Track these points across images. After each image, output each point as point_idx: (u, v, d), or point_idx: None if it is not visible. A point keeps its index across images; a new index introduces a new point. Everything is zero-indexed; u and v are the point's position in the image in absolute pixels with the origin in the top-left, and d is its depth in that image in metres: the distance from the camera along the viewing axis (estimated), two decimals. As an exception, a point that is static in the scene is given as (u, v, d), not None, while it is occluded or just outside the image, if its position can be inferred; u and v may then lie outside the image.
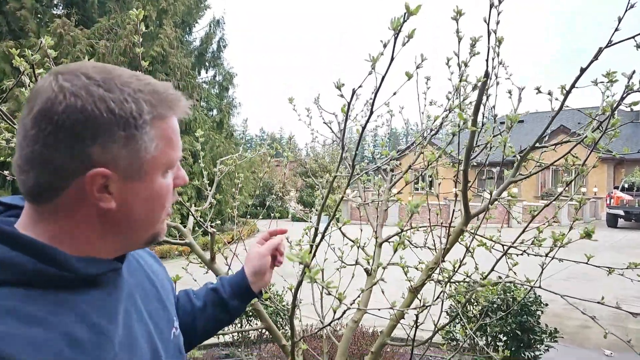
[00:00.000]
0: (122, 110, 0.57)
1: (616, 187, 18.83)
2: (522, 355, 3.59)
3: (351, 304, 1.07)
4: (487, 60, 1.35)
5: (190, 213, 1.68)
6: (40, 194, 0.57)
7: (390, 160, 1.52)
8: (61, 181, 0.56)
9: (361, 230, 2.10)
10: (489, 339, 3.68)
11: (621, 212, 17.08)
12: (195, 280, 1.79)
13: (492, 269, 1.29)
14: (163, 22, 12.27)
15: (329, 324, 1.23)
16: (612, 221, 17.44)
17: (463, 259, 1.42)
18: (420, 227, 1.97)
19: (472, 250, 1.63)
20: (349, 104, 1.16)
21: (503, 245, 1.67)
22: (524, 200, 19.73)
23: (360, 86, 1.14)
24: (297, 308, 3.96)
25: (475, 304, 3.46)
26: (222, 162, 2.09)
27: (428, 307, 1.26)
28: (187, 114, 0.66)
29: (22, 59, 1.24)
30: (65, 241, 0.59)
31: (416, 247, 2.33)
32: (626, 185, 18.20)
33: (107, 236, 0.62)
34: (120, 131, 0.57)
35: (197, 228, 1.97)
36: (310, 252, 1.27)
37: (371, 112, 1.14)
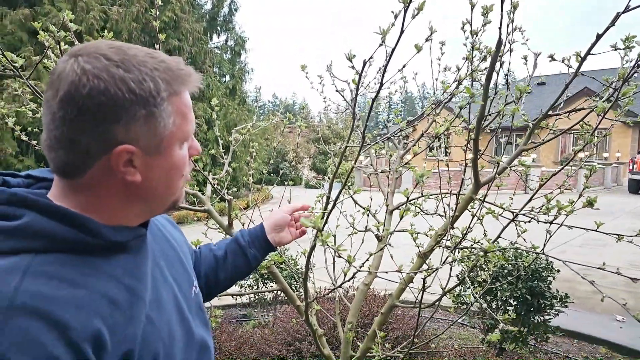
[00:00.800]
0: (142, 89, 0.60)
1: None
2: (532, 319, 3.67)
3: (360, 267, 1.13)
4: (499, 28, 1.33)
5: (207, 181, 1.74)
6: (69, 171, 0.62)
7: (400, 131, 1.54)
8: (88, 159, 0.61)
9: (371, 198, 2.14)
10: (499, 303, 3.77)
11: None
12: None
13: (499, 236, 1.33)
14: (174, -14, 12.06)
15: (340, 286, 1.30)
16: (633, 187, 17.04)
17: (469, 226, 1.46)
18: (431, 195, 2.00)
19: (481, 218, 1.66)
20: (360, 75, 1.17)
21: (513, 213, 1.69)
22: (542, 166, 19.41)
23: (371, 57, 1.15)
24: (311, 271, 4.10)
25: (486, 269, 3.53)
26: (236, 132, 2.13)
27: (435, 272, 1.31)
28: (198, 88, 0.69)
29: (45, 33, 1.27)
30: (95, 211, 0.64)
31: (427, 214, 2.38)
32: None
33: (132, 205, 0.67)
34: (141, 109, 0.60)
35: (214, 195, 2.04)
36: (323, 218, 1.33)
37: (381, 85, 1.15)
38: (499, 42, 1.36)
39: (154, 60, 0.63)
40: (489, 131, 1.95)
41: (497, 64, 1.54)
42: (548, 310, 3.67)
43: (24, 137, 1.93)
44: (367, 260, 1.20)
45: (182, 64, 0.67)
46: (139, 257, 0.69)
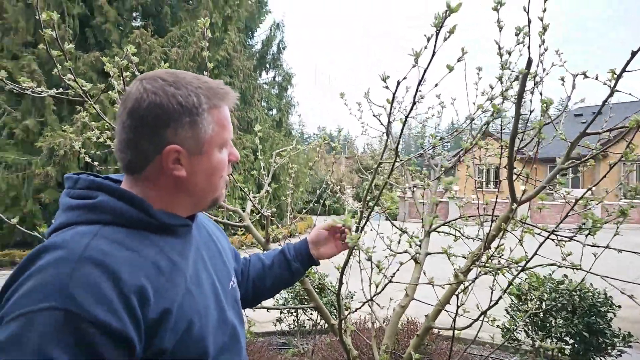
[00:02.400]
0: (187, 102, 0.77)
1: None
2: (592, 359, 3.38)
3: (391, 278, 1.14)
4: (528, 48, 1.36)
5: (248, 198, 1.84)
6: (133, 168, 0.79)
7: (433, 147, 1.57)
8: (147, 157, 0.77)
9: (392, 224, 2.13)
10: (554, 340, 3.52)
11: None
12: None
13: (535, 253, 1.28)
14: (228, 28, 12.92)
15: (372, 299, 1.32)
16: None
17: (500, 241, 1.43)
18: (469, 217, 1.97)
19: (520, 238, 1.62)
20: (394, 95, 1.23)
21: (557, 235, 1.64)
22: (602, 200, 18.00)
23: (404, 78, 1.21)
24: (350, 300, 4.03)
25: (534, 298, 3.32)
26: (277, 154, 2.24)
27: (470, 287, 1.29)
28: (235, 104, 0.85)
29: (110, 64, 1.47)
30: (151, 199, 0.79)
31: (467, 239, 2.33)
32: None
33: (179, 197, 0.81)
34: (186, 118, 0.77)
35: (253, 214, 2.14)
36: (359, 225, 1.36)
37: (413, 104, 1.20)
38: (529, 62, 1.38)
39: (199, 81, 0.80)
40: (532, 156, 1.91)
41: (532, 84, 1.55)
42: (609, 350, 3.37)
43: (87, 159, 2.15)
44: (398, 270, 1.21)
45: (222, 84, 0.83)
46: (185, 242, 0.83)
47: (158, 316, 0.69)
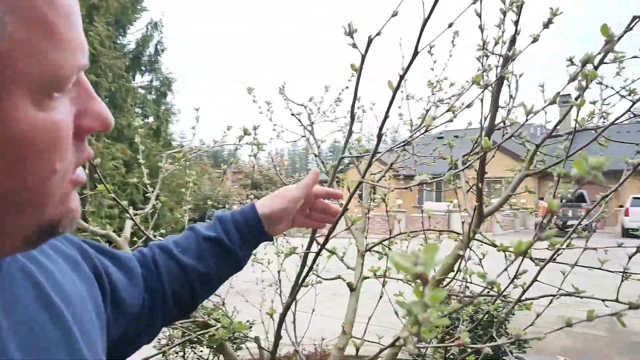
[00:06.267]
0: None
1: None
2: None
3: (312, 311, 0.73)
4: (516, 23, 1.11)
5: (129, 217, 1.26)
6: None
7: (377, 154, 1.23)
8: None
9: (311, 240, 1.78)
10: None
11: None
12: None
13: (535, 279, 1.01)
14: (94, 19, 11.33)
15: (301, 341, 0.89)
16: None
17: (459, 267, 1.15)
18: (411, 232, 1.68)
19: (482, 257, 1.37)
20: (363, 57, 0.85)
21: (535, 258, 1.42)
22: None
23: (379, 33, 0.83)
24: (248, 330, 3.51)
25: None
26: (169, 156, 1.68)
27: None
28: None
29: None
30: None
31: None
32: None
33: None
34: None
35: (134, 238, 1.54)
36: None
37: (415, 53, 0.82)
38: (514, 38, 1.14)
39: None
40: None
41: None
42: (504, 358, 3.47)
43: None
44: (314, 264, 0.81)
45: None
46: None
47: None
